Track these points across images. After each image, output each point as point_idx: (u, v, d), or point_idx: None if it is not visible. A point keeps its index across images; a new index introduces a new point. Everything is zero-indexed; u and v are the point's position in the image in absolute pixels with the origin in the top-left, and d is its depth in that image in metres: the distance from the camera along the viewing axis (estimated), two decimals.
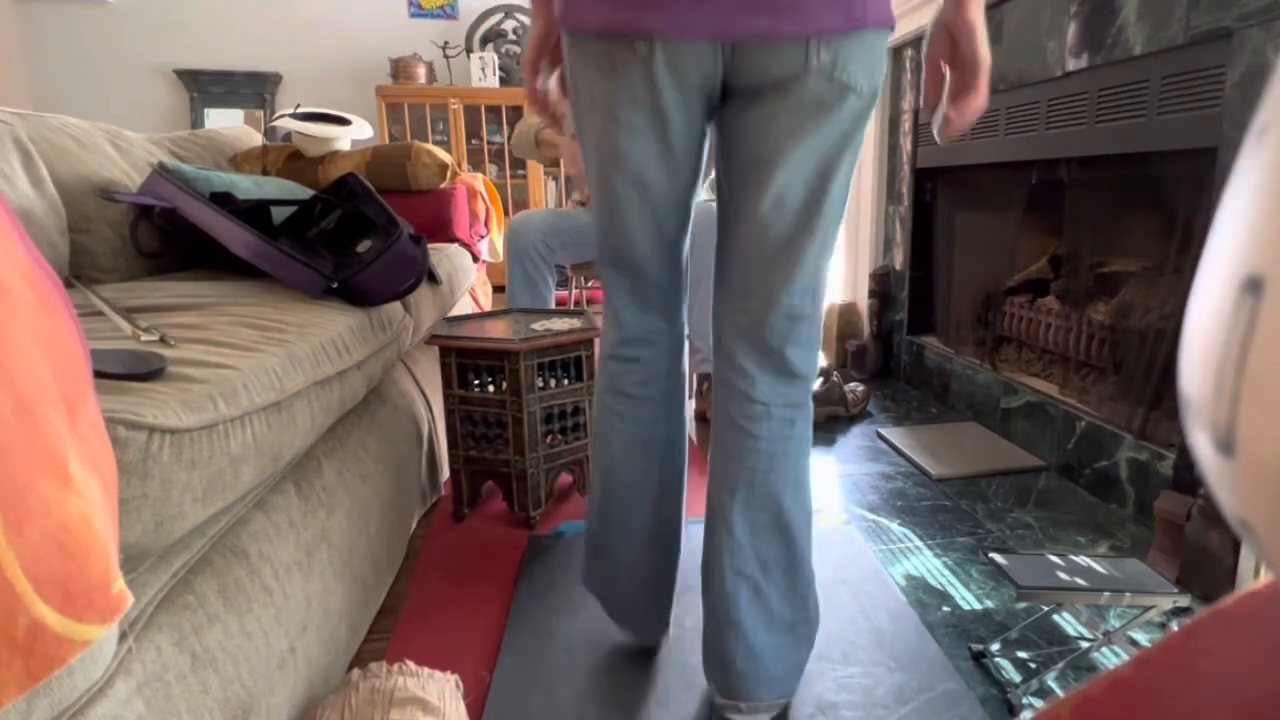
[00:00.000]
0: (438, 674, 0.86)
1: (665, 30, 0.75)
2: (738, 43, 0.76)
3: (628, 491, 0.98)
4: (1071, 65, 1.53)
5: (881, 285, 2.49)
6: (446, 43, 4.32)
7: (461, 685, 0.88)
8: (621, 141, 0.82)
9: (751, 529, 0.88)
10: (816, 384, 2.05)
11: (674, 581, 1.04)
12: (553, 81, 0.94)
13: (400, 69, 4.09)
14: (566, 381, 1.43)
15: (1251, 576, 1.09)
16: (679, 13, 0.75)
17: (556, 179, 4.38)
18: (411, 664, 0.85)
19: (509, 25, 4.32)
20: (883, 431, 1.92)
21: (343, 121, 2.02)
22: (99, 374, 0.64)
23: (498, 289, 3.55)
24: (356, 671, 0.84)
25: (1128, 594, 0.93)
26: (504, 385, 1.38)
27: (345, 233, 1.36)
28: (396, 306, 1.30)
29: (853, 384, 2.13)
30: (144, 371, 0.68)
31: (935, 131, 0.86)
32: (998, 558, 1.01)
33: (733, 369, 0.87)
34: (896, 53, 2.36)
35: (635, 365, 0.96)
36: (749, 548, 0.88)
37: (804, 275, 0.84)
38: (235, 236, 1.15)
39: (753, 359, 0.86)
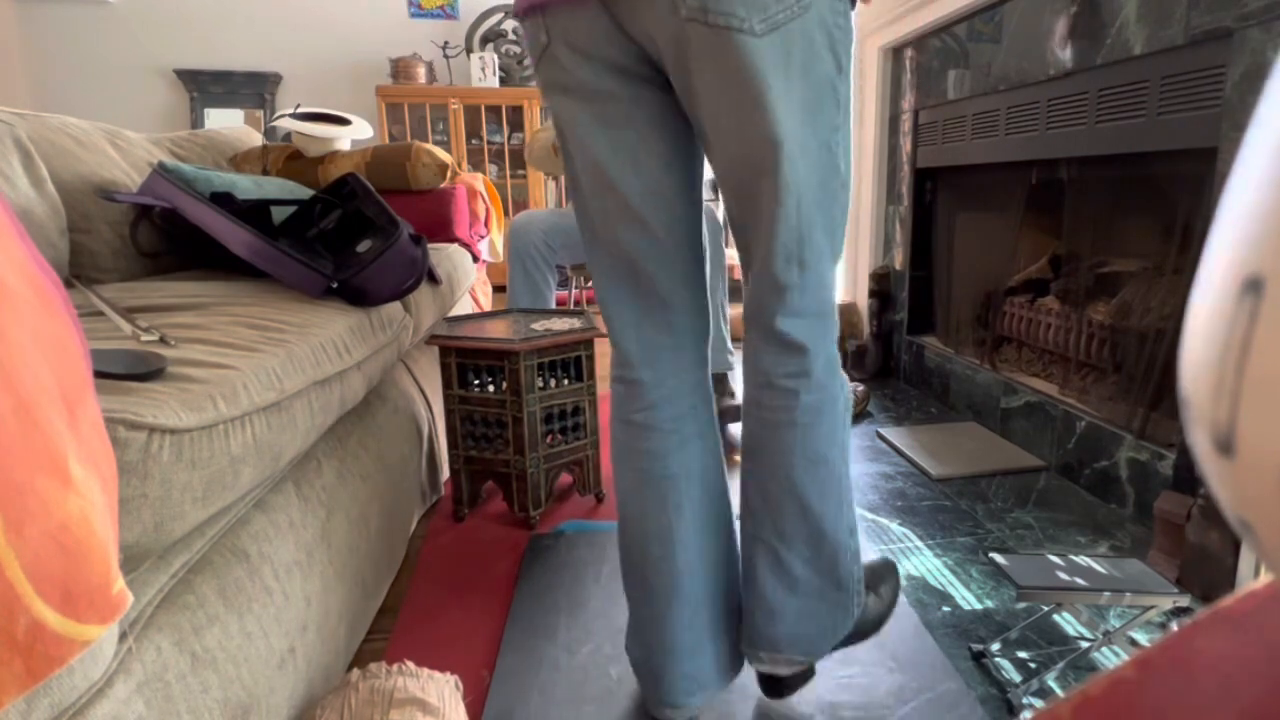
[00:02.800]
0: (437, 674, 0.86)
1: (520, 7, 0.76)
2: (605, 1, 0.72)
3: (637, 535, 0.90)
4: (1071, 65, 1.53)
5: (881, 285, 2.49)
6: (446, 43, 4.32)
7: (461, 685, 0.88)
8: (568, 132, 0.81)
9: (764, 498, 0.87)
10: None
11: (703, 649, 0.90)
12: None
13: (400, 69, 4.10)
14: (566, 381, 1.43)
15: (1251, 576, 1.09)
16: None
17: (557, 179, 4.38)
18: (411, 664, 0.85)
19: (509, 25, 4.32)
20: (883, 431, 1.92)
21: (343, 121, 2.02)
22: (99, 374, 0.64)
23: (498, 289, 3.55)
24: (356, 672, 0.84)
25: (1128, 594, 0.93)
26: (504, 385, 1.38)
27: (345, 233, 1.36)
28: (396, 306, 1.30)
29: (853, 384, 2.13)
30: (144, 371, 0.68)
31: None
32: (998, 558, 1.01)
33: (747, 342, 0.87)
34: (897, 53, 2.36)
35: (637, 388, 0.89)
36: (764, 515, 0.88)
37: (784, 243, 0.78)
38: (235, 236, 1.15)
39: (754, 331, 0.85)
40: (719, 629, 0.92)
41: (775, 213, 0.77)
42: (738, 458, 1.80)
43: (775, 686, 0.94)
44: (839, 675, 0.99)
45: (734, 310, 2.52)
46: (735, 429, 1.89)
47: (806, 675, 0.95)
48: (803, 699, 0.95)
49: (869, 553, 1.31)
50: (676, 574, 0.89)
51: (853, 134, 2.65)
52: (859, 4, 0.82)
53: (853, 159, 2.69)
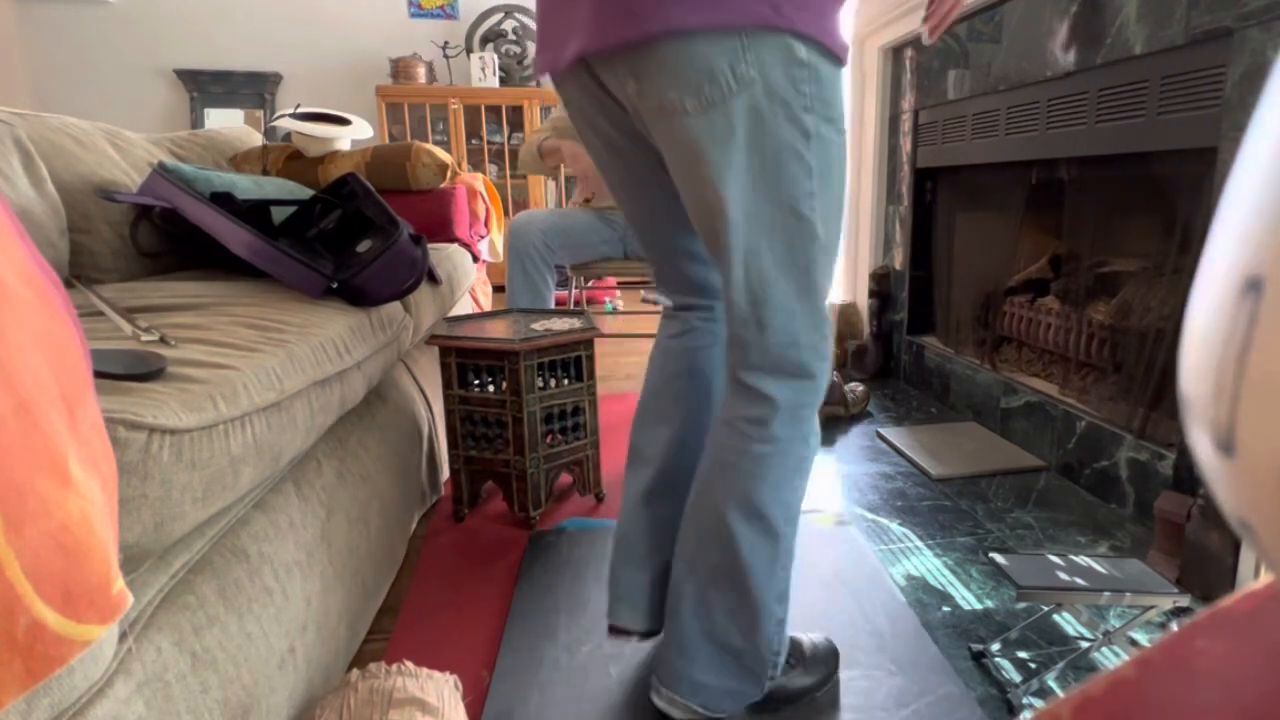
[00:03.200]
0: (436, 674, 0.86)
1: (539, 69, 0.86)
2: (587, 70, 0.81)
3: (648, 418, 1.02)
4: (1072, 65, 1.53)
5: (881, 285, 2.49)
6: (446, 43, 4.32)
7: (460, 685, 0.88)
8: (591, 153, 0.94)
9: (697, 532, 0.88)
10: None
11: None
12: None
13: (400, 69, 4.10)
14: (566, 381, 1.43)
15: (1251, 576, 1.09)
16: (540, 50, 0.85)
17: (557, 179, 4.38)
18: (410, 664, 0.85)
19: (509, 25, 4.33)
20: (883, 431, 1.92)
21: (343, 121, 2.02)
22: (99, 374, 0.64)
23: (498, 289, 3.55)
24: (355, 672, 0.84)
25: (1128, 594, 0.93)
26: (504, 385, 1.38)
27: (345, 233, 1.36)
28: (396, 306, 1.30)
29: (853, 384, 2.13)
30: (144, 371, 0.68)
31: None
32: (998, 558, 1.01)
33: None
34: (897, 53, 2.36)
35: (673, 319, 1.02)
36: (695, 549, 0.88)
37: (738, 303, 0.81)
38: (235, 236, 1.15)
39: (728, 370, 0.87)
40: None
41: (728, 275, 0.81)
42: None
43: None
44: (838, 677, 0.99)
45: None
46: None
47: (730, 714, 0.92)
48: (801, 699, 0.95)
49: (869, 553, 1.31)
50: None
51: (852, 134, 2.65)
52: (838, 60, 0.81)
53: (852, 159, 2.69)
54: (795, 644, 0.97)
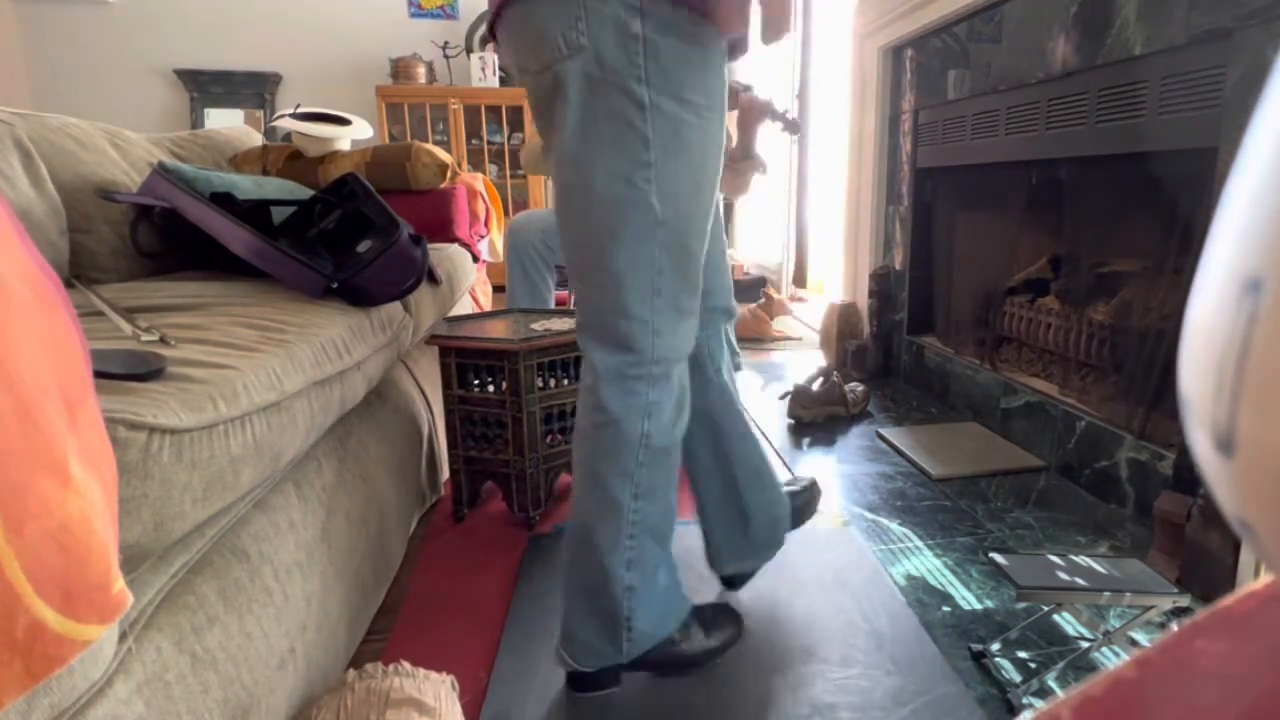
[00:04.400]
0: (434, 674, 0.86)
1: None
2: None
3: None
4: (1071, 65, 1.53)
5: (881, 285, 2.49)
6: (446, 43, 4.32)
7: (458, 686, 0.88)
8: None
9: (577, 499, 0.94)
10: (816, 384, 2.05)
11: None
12: None
13: (400, 69, 4.10)
14: (566, 381, 1.43)
15: (1251, 576, 1.09)
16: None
17: None
18: (407, 665, 0.85)
19: None
20: (883, 431, 1.92)
21: (343, 121, 2.02)
22: (99, 374, 0.64)
23: (498, 289, 3.55)
24: (352, 672, 0.84)
25: (1128, 594, 0.93)
26: (504, 385, 1.38)
27: (345, 233, 1.36)
28: (396, 306, 1.30)
29: (853, 384, 2.13)
30: (144, 371, 0.68)
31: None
32: (998, 558, 1.01)
33: None
34: (897, 53, 2.36)
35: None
36: (573, 508, 0.95)
37: (572, 261, 0.88)
38: (235, 236, 1.15)
39: None
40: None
41: (563, 234, 0.88)
42: None
43: (576, 681, 0.97)
44: (836, 676, 0.99)
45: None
46: None
47: (603, 681, 0.97)
48: (799, 700, 0.95)
49: (869, 553, 1.31)
50: None
51: (852, 134, 2.65)
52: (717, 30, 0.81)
53: (852, 159, 2.69)
54: (698, 610, 1.03)
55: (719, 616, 1.05)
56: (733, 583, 1.20)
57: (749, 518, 1.14)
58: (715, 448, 1.12)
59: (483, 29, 0.85)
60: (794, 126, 1.77)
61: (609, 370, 0.87)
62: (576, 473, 0.93)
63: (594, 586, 0.93)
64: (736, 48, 0.90)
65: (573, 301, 0.90)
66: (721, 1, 0.79)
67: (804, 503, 1.31)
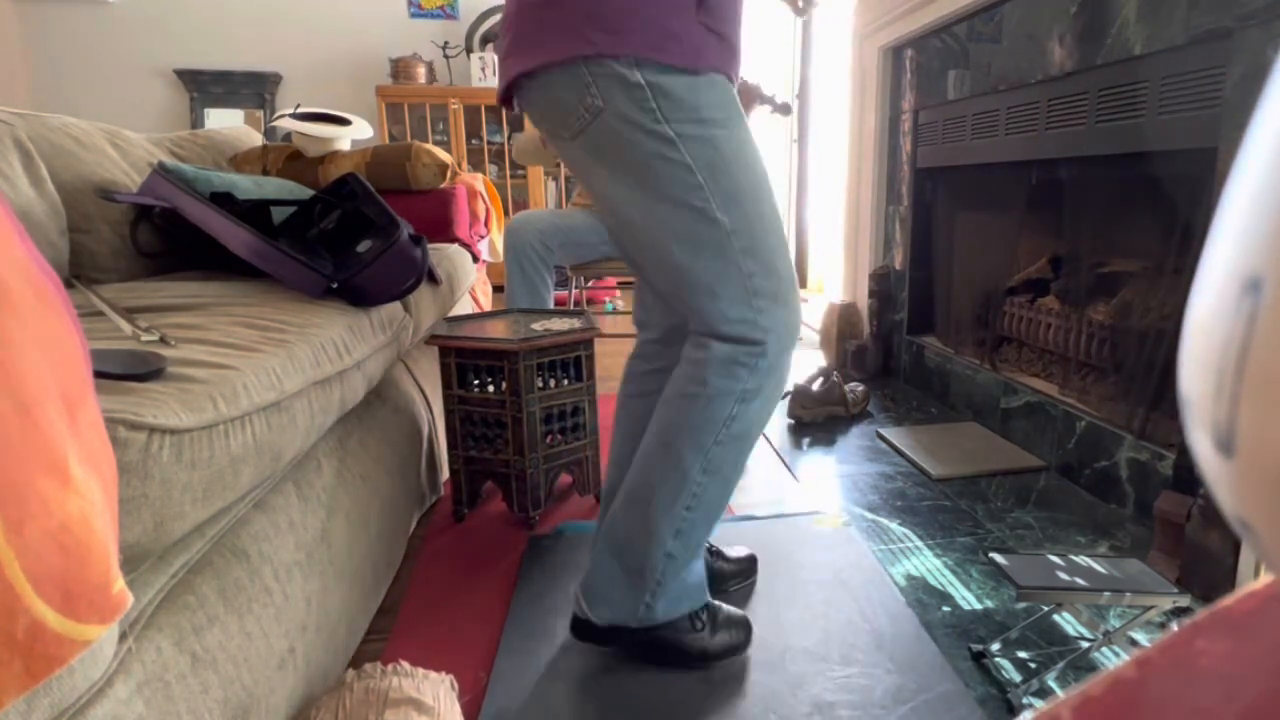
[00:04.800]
0: (433, 674, 0.86)
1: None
2: None
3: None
4: (1071, 65, 1.53)
5: (881, 285, 2.49)
6: (446, 43, 4.32)
7: (457, 686, 0.88)
8: None
9: (640, 453, 0.98)
10: (816, 384, 2.05)
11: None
12: None
13: (400, 69, 4.10)
14: (566, 381, 1.43)
15: (1251, 576, 1.09)
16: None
17: (557, 179, 4.38)
18: (406, 664, 0.85)
19: None
20: (883, 431, 1.92)
21: (343, 121, 2.02)
22: (99, 374, 0.64)
23: (498, 289, 3.55)
24: (351, 672, 0.84)
25: (1128, 594, 0.93)
26: (504, 385, 1.38)
27: (345, 233, 1.36)
28: (396, 306, 1.30)
29: (853, 384, 2.13)
30: (144, 371, 0.68)
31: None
32: (998, 558, 1.01)
33: None
34: (897, 53, 2.36)
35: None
36: (634, 467, 0.99)
37: (669, 294, 0.95)
38: (235, 236, 1.15)
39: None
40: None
41: (647, 275, 0.96)
42: None
43: (580, 628, 1.02)
44: (836, 675, 0.99)
45: None
46: None
47: (616, 635, 1.00)
48: (799, 699, 0.95)
49: (869, 553, 1.31)
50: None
51: (852, 134, 2.65)
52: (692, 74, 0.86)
53: (852, 159, 2.69)
54: (713, 608, 1.03)
55: (732, 622, 1.03)
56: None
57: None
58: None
59: (498, 84, 0.91)
60: (784, 109, 1.77)
61: (723, 354, 0.91)
62: (651, 433, 0.96)
63: (636, 543, 0.96)
64: (734, 80, 0.94)
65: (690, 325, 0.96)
66: (704, 53, 0.85)
67: (731, 573, 1.20)
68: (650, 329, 1.10)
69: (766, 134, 3.68)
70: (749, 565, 1.24)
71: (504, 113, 4.24)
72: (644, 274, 0.98)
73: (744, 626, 1.04)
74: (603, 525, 1.02)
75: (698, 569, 1.00)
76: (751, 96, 1.73)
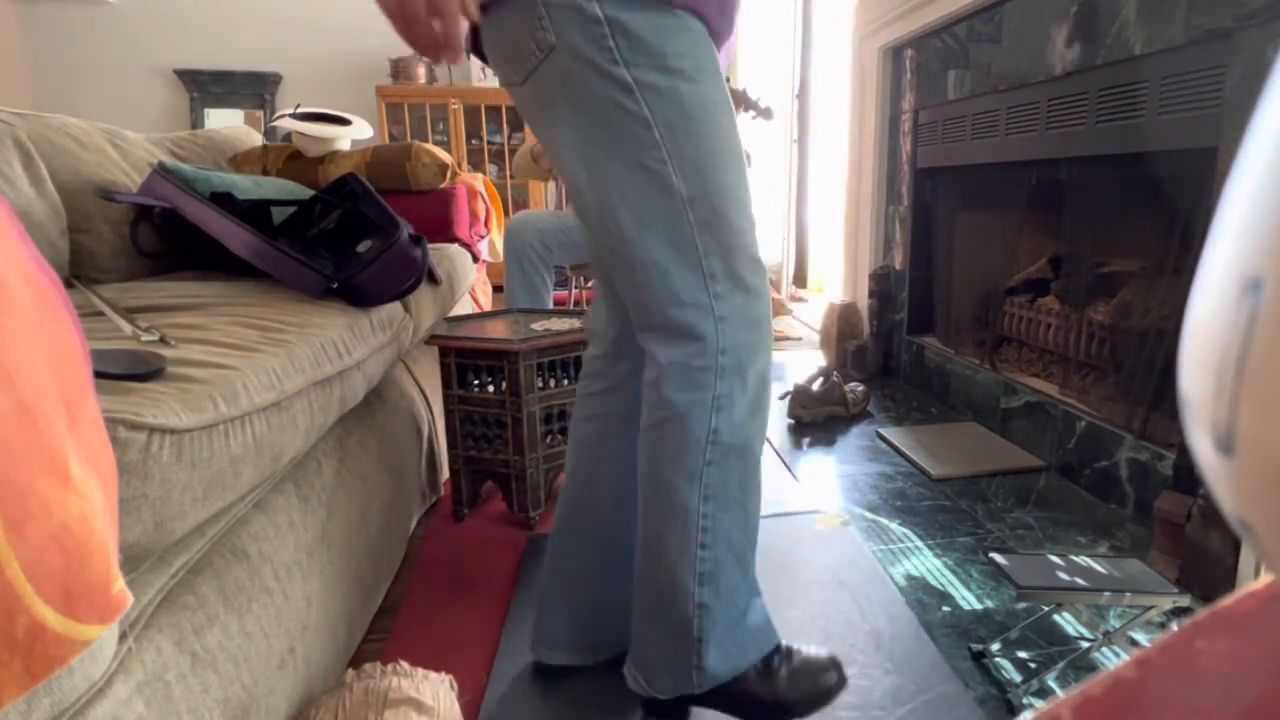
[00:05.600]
0: (432, 674, 0.86)
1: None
2: None
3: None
4: (1071, 65, 1.53)
5: (881, 285, 2.49)
6: None
7: (456, 686, 0.88)
8: None
9: (641, 500, 0.89)
10: (816, 384, 2.05)
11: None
12: None
13: (400, 69, 4.10)
14: (566, 381, 1.43)
15: (1251, 576, 1.09)
16: None
17: (556, 180, 4.37)
18: (406, 664, 0.85)
19: None
20: (883, 431, 1.92)
21: (343, 121, 2.02)
22: (99, 374, 0.63)
23: (498, 289, 3.55)
24: (350, 672, 0.84)
25: (1128, 594, 0.93)
26: (503, 385, 1.38)
27: (345, 233, 1.36)
28: (396, 306, 1.30)
29: (853, 384, 2.13)
30: (144, 371, 0.68)
31: None
32: (998, 558, 1.01)
33: None
34: (897, 53, 2.36)
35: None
36: (641, 517, 0.89)
37: (611, 265, 0.84)
38: (235, 236, 1.15)
39: None
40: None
41: (591, 239, 0.84)
42: None
43: (652, 708, 0.91)
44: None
45: None
46: None
47: (674, 710, 0.89)
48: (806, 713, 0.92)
49: (869, 553, 1.31)
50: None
51: (852, 134, 2.65)
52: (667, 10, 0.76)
53: (852, 159, 2.69)
54: (791, 652, 0.92)
55: (815, 666, 0.90)
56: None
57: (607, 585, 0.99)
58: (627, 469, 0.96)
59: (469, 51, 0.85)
60: (767, 114, 1.77)
61: (672, 363, 0.80)
62: (641, 476, 0.86)
63: (664, 602, 0.84)
64: (718, 33, 0.82)
65: (633, 314, 0.85)
66: None
67: (806, 672, 0.92)
68: (597, 340, 0.96)
69: (767, 134, 3.67)
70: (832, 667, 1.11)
71: (503, 112, 4.24)
72: (590, 248, 0.85)
73: (833, 668, 0.91)
74: (633, 588, 0.89)
75: (752, 612, 0.88)
76: (736, 101, 1.73)
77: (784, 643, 0.91)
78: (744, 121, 1.88)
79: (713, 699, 0.88)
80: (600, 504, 0.97)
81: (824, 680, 0.89)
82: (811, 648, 0.93)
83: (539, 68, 0.76)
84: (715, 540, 0.84)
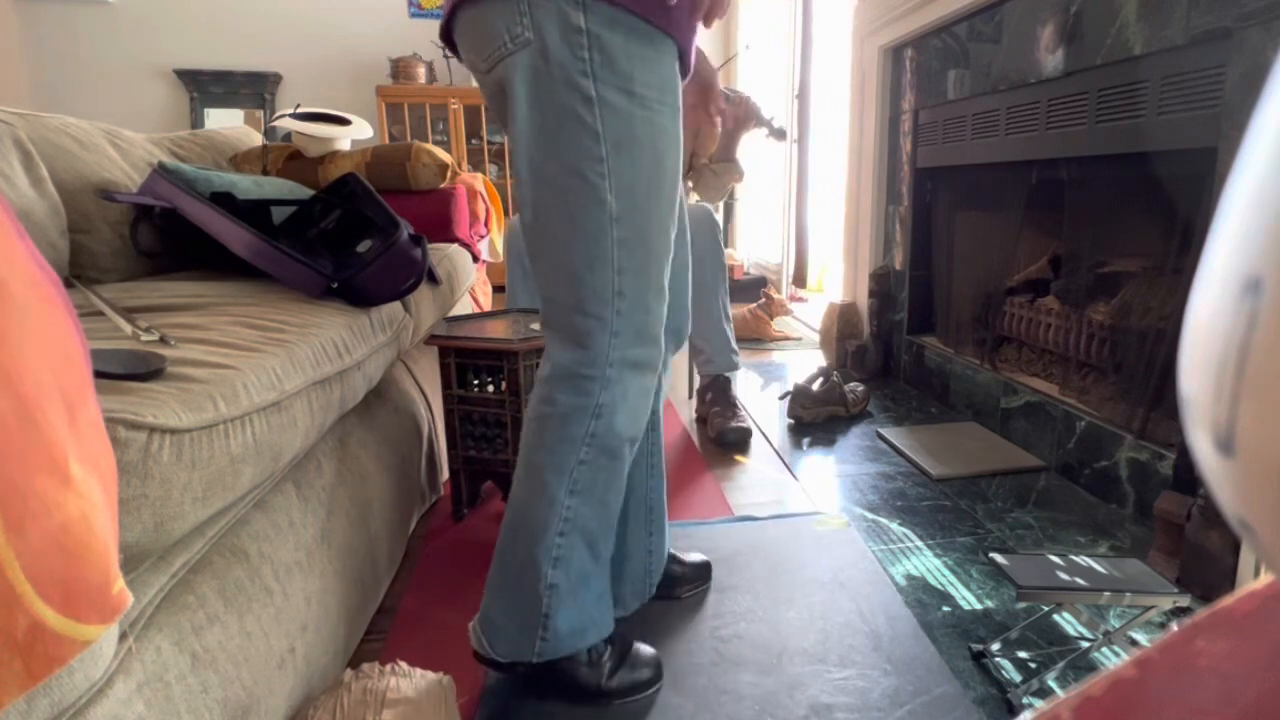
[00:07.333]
0: (431, 675, 0.86)
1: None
2: None
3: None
4: (1071, 65, 1.53)
5: (881, 285, 2.49)
6: None
7: (455, 686, 0.88)
8: None
9: (515, 483, 0.95)
10: (816, 384, 2.05)
11: None
12: None
13: (400, 69, 4.09)
14: None
15: (1251, 576, 1.09)
16: None
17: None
18: (404, 665, 0.85)
19: None
20: (883, 431, 1.92)
21: (343, 121, 2.02)
22: (99, 374, 0.63)
23: (498, 289, 3.55)
24: (349, 672, 0.84)
25: (1128, 594, 0.93)
26: (503, 385, 1.38)
27: (345, 233, 1.36)
28: (396, 306, 1.30)
29: (853, 384, 2.13)
30: (144, 371, 0.68)
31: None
32: (998, 558, 1.01)
33: None
34: (897, 53, 2.36)
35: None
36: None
37: (534, 253, 0.88)
38: (235, 236, 1.15)
39: None
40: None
41: (524, 225, 0.87)
42: (739, 457, 1.81)
43: (484, 662, 0.96)
44: (834, 677, 0.99)
45: (736, 310, 2.52)
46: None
47: (515, 669, 0.94)
48: (797, 700, 0.95)
49: (869, 553, 1.31)
50: None
51: (852, 134, 2.65)
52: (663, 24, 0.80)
53: (852, 159, 2.69)
54: (620, 641, 0.98)
55: (639, 661, 0.97)
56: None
57: (625, 556, 1.07)
58: None
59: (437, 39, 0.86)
60: (780, 134, 1.77)
61: (561, 367, 0.87)
62: (519, 457, 0.93)
63: (518, 576, 0.91)
64: (684, 65, 0.87)
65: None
66: (658, 9, 0.79)
67: (684, 578, 1.17)
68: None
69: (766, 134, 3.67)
70: (704, 571, 1.21)
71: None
72: (524, 235, 0.89)
73: (652, 665, 0.98)
74: (495, 558, 0.96)
75: (593, 596, 0.94)
76: (749, 115, 1.72)
77: (616, 633, 0.98)
78: (756, 137, 1.87)
79: (540, 672, 0.94)
80: None
81: (640, 675, 0.96)
82: (642, 645, 1.00)
83: (507, 59, 0.79)
84: (573, 529, 0.90)
